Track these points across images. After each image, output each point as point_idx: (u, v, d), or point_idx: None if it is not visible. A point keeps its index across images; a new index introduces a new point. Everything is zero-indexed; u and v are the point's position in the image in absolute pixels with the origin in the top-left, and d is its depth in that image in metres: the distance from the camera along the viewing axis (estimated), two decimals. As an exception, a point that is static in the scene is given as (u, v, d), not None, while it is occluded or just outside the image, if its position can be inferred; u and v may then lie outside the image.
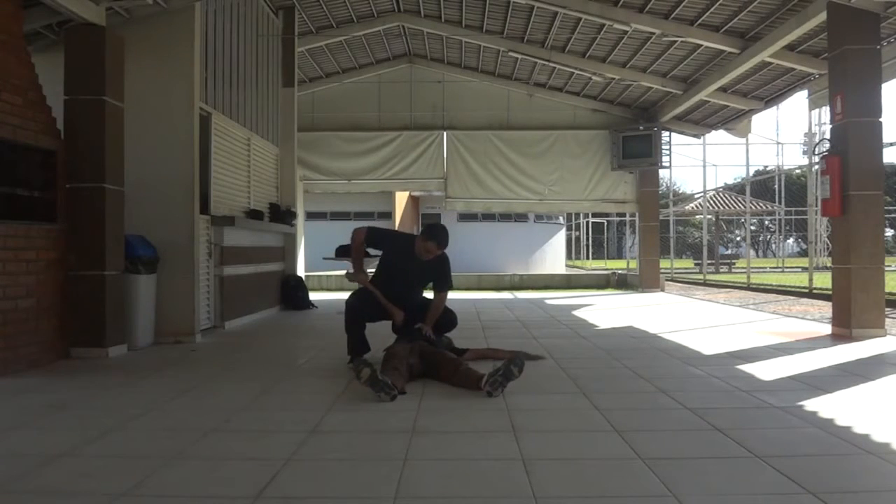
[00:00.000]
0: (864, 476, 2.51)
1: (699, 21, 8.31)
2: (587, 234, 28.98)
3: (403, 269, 4.78)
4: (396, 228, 21.71)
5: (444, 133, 12.47)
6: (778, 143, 38.98)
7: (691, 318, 8.00)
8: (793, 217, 29.58)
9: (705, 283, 15.83)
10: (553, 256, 21.86)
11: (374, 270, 5.03)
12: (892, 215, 29.24)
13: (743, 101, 10.57)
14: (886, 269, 6.36)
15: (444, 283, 4.89)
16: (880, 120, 6.11)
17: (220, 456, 2.73)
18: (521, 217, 20.18)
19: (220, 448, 2.85)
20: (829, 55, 6.43)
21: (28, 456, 2.72)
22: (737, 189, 25.58)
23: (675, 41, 8.89)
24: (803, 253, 31.57)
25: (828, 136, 6.61)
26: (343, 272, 13.85)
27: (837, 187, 6.11)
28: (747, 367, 4.60)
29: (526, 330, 6.89)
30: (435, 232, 4.70)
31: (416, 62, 12.44)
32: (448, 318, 4.91)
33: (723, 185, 30.75)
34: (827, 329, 6.57)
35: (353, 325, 4.73)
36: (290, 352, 5.81)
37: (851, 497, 2.29)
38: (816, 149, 15.55)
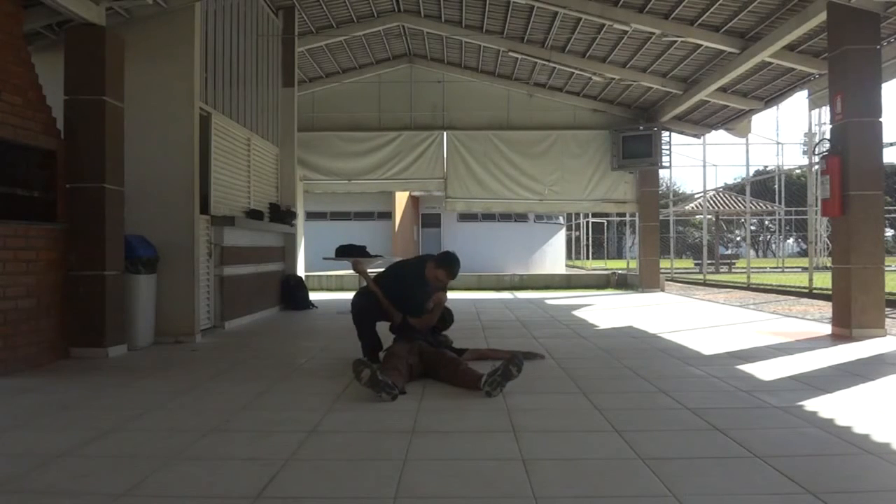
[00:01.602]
0: (864, 476, 2.51)
1: (699, 21, 8.31)
2: (587, 234, 28.96)
3: (412, 294, 4.78)
4: (396, 229, 21.74)
5: (444, 133, 12.47)
6: (778, 143, 39.11)
7: (691, 318, 8.00)
8: (793, 217, 29.58)
9: (705, 283, 15.82)
10: (553, 256, 21.87)
11: (376, 272, 5.03)
12: (892, 215, 29.24)
13: (743, 101, 10.57)
14: (886, 269, 6.35)
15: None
16: (880, 120, 6.11)
17: (220, 456, 2.73)
18: (521, 217, 20.19)
19: (220, 448, 2.85)
20: (829, 55, 6.43)
21: (28, 456, 2.72)
22: (737, 189, 25.56)
23: (675, 41, 8.89)
24: (803, 253, 31.57)
25: (828, 136, 6.61)
26: (343, 272, 13.86)
27: (837, 187, 6.11)
28: (747, 367, 4.60)
29: (526, 330, 6.89)
30: (448, 262, 4.69)
31: (416, 62, 12.44)
32: (444, 316, 4.95)
33: (723, 185, 30.75)
34: (827, 329, 6.57)
35: (363, 324, 4.74)
36: (290, 352, 5.81)
37: (851, 497, 2.29)
38: (816, 149, 15.55)
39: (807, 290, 11.33)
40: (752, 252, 22.98)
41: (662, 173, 17.24)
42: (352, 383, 3.95)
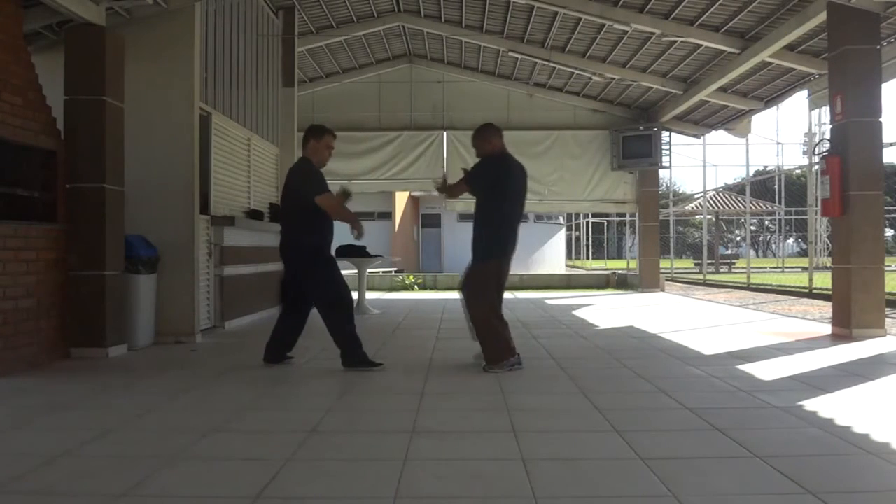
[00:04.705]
0: (864, 476, 2.51)
1: (699, 21, 8.31)
2: (587, 234, 28.97)
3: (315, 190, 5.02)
4: (396, 229, 21.73)
5: (444, 133, 12.46)
6: (778, 143, 39.22)
7: (691, 319, 8.00)
8: (793, 217, 29.57)
9: (705, 283, 15.82)
10: (553, 256, 21.87)
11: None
12: (892, 215, 29.24)
13: (743, 101, 10.57)
14: (886, 269, 6.35)
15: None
16: (880, 120, 6.11)
17: (220, 456, 2.73)
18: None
19: (220, 448, 2.85)
20: (829, 55, 6.43)
21: (28, 456, 2.71)
22: (737, 189, 25.57)
23: (675, 41, 8.88)
24: (803, 253, 31.55)
25: (828, 136, 6.61)
26: (343, 272, 13.84)
27: (837, 187, 6.11)
28: (747, 367, 4.60)
29: (526, 330, 6.89)
30: (315, 125, 5.21)
31: (416, 62, 12.43)
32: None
33: (723, 185, 30.75)
34: (827, 329, 6.57)
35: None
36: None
37: (851, 497, 2.29)
38: (816, 149, 15.56)
39: (807, 291, 11.33)
40: (752, 252, 22.98)
41: (662, 173, 17.21)
42: (352, 383, 3.95)
